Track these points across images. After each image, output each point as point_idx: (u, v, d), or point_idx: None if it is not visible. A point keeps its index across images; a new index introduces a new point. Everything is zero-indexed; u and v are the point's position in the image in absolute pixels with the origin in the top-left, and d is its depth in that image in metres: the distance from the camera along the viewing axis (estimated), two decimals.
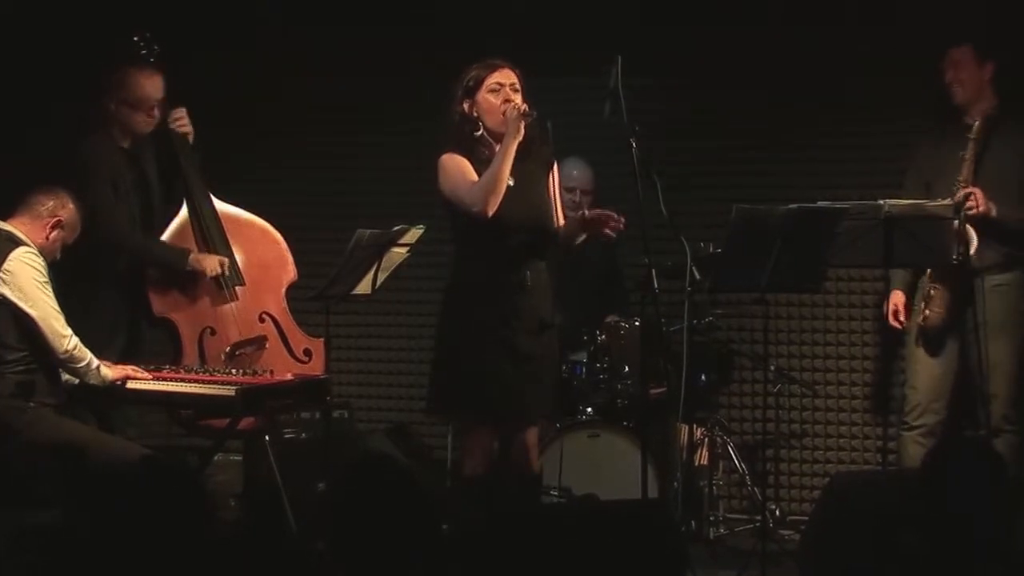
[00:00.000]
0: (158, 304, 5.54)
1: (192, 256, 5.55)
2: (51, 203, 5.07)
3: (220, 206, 5.72)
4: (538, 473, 5.10)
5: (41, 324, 4.89)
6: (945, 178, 5.69)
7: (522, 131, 4.83)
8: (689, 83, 6.50)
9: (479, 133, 4.95)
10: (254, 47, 6.77)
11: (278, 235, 5.83)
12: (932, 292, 5.73)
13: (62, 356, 4.93)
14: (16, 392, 4.91)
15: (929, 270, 5.75)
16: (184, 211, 5.66)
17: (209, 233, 5.63)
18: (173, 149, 5.69)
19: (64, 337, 4.92)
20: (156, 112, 5.58)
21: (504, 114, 4.86)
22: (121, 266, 5.55)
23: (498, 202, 4.81)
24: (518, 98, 4.90)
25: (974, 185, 5.61)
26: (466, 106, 4.96)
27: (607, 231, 4.88)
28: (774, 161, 6.48)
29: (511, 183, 4.83)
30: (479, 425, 4.95)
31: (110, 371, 5.07)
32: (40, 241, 5.02)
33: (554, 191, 5.06)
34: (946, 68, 5.80)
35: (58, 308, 4.93)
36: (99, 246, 5.44)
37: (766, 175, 6.45)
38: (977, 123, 5.69)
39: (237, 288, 5.63)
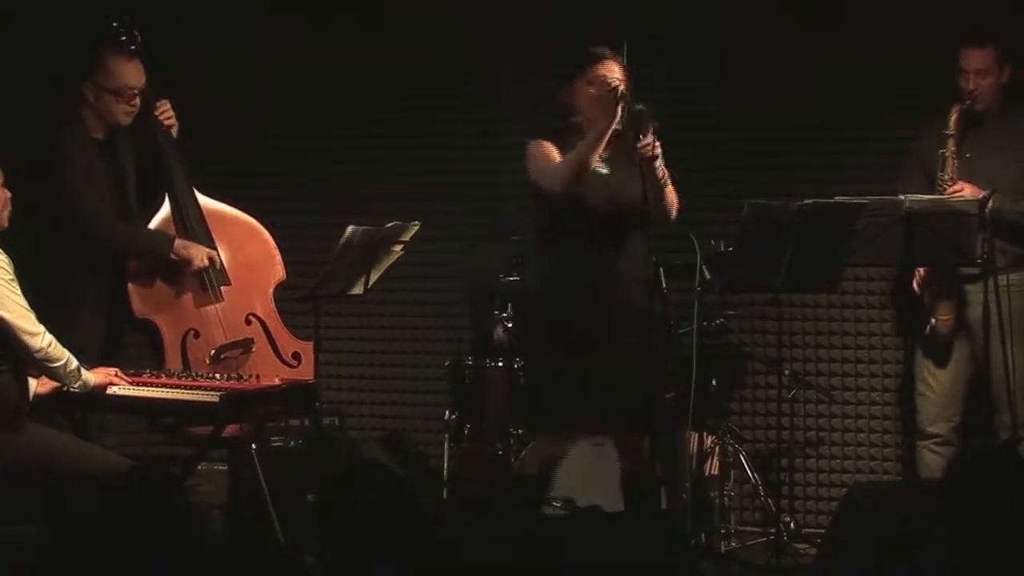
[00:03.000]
0: (139, 306, 5.52)
1: (178, 242, 5.52)
2: None
3: (204, 201, 5.69)
4: (654, 474, 5.17)
5: (10, 324, 4.87)
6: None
7: (617, 115, 4.86)
8: (697, 73, 6.51)
9: (577, 120, 4.99)
10: (236, 44, 6.78)
11: (266, 232, 5.82)
12: (936, 301, 5.74)
13: (36, 356, 4.90)
14: None
15: (928, 279, 5.75)
16: (166, 206, 5.66)
17: (193, 230, 5.62)
18: (156, 142, 5.68)
19: (35, 335, 4.88)
20: (137, 101, 5.54)
21: (599, 98, 4.90)
22: (100, 262, 5.54)
23: (574, 181, 4.86)
24: (618, 82, 4.91)
25: (963, 181, 5.63)
26: (565, 93, 4.99)
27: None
28: (788, 154, 6.48)
29: (606, 171, 4.86)
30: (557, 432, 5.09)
31: (92, 375, 5.06)
32: None
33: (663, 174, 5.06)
34: (967, 74, 5.72)
35: (27, 306, 4.90)
36: (74, 240, 5.43)
37: (780, 169, 6.45)
38: (953, 117, 5.69)
39: (222, 288, 5.63)
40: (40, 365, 4.94)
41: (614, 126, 4.88)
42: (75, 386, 4.99)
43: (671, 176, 5.18)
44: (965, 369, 5.85)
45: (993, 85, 5.75)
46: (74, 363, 4.96)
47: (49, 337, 4.90)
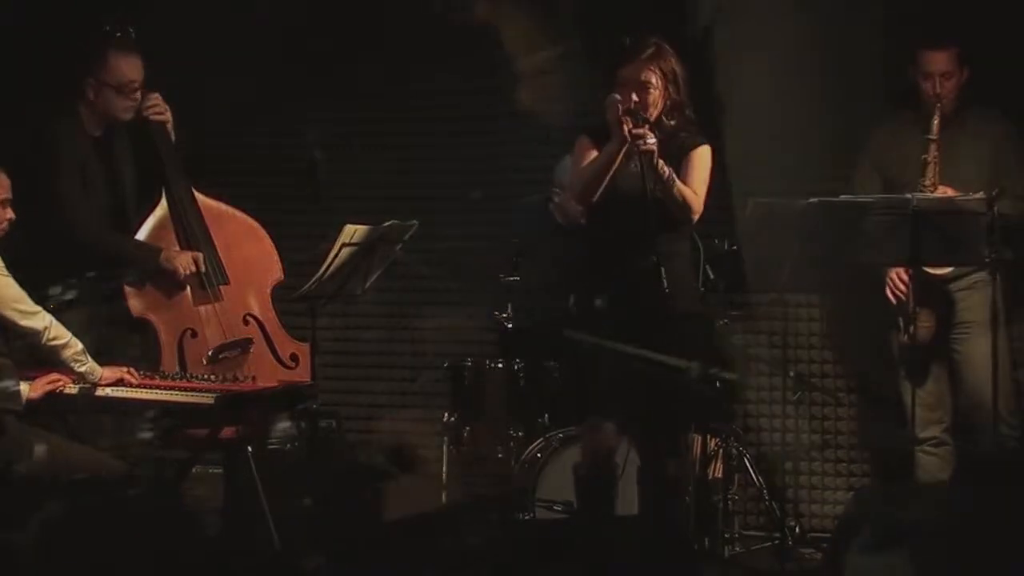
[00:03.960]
0: (136, 305, 5.51)
1: (163, 255, 5.51)
2: None
3: (202, 199, 5.69)
4: (672, 475, 5.20)
5: (10, 308, 4.84)
6: (908, 179, 5.67)
7: (627, 137, 4.84)
8: (698, 70, 6.48)
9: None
10: (237, 43, 6.77)
11: (264, 232, 5.81)
12: (917, 310, 5.71)
13: (44, 335, 4.86)
14: None
15: (912, 285, 5.73)
16: (163, 204, 5.64)
17: (190, 228, 5.61)
18: (150, 138, 5.66)
19: (35, 314, 4.87)
20: (137, 95, 5.55)
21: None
22: (91, 262, 5.52)
23: (591, 198, 4.92)
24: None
25: (943, 186, 5.61)
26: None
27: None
28: (791, 152, 6.46)
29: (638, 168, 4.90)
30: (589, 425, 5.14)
31: (100, 367, 5.03)
32: None
33: (695, 174, 5.06)
34: (932, 77, 5.71)
35: (20, 289, 4.89)
36: (65, 240, 5.41)
37: (783, 167, 6.43)
38: (935, 122, 5.66)
39: (221, 287, 5.61)
40: (47, 346, 4.90)
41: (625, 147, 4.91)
42: (82, 369, 4.97)
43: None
44: (945, 370, 5.87)
45: (955, 87, 5.74)
46: (79, 344, 4.95)
47: (49, 316, 4.89)
